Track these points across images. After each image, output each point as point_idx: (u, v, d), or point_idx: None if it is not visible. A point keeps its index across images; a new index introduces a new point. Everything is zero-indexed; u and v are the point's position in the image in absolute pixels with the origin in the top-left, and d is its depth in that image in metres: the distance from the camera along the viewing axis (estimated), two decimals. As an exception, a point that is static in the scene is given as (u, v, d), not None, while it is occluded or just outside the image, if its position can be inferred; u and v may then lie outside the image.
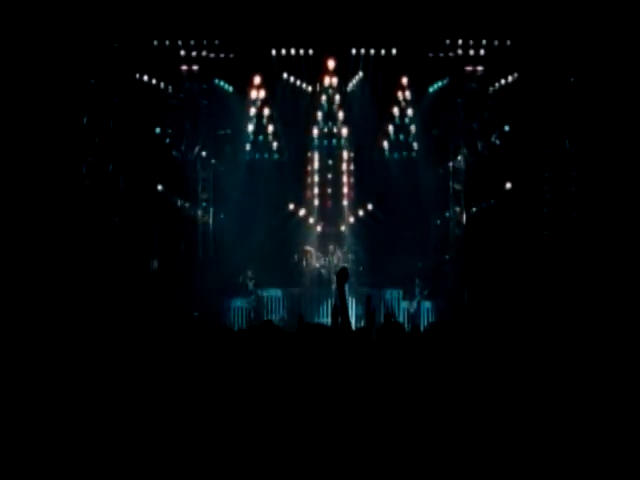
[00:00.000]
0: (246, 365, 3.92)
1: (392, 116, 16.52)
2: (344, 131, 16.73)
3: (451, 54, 14.38)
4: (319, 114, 16.56)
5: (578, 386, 4.29)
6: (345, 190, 17.15)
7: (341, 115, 16.52)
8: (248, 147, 16.75)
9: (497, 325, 12.34)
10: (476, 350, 4.71)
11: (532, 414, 3.87)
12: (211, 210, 16.76)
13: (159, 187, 14.98)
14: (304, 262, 16.43)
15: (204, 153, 16.51)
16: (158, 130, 14.78)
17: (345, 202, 17.09)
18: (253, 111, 16.13)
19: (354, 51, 14.79)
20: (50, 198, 12.45)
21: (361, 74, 15.59)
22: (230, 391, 3.74)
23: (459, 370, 4.19)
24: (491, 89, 15.18)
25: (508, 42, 13.97)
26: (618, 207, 12.71)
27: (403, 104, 16.22)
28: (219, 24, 13.53)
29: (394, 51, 14.55)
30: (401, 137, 16.95)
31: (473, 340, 4.97)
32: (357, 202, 17.11)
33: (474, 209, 16.03)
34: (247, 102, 15.88)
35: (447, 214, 16.71)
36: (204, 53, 14.43)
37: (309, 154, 17.24)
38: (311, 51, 14.73)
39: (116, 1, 12.80)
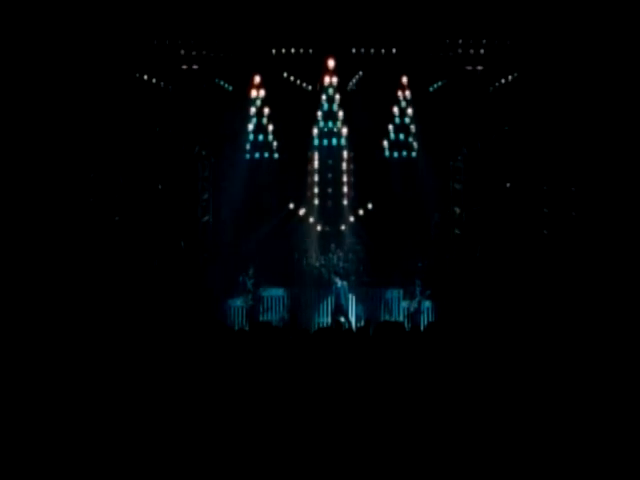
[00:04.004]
0: (245, 365, 3.93)
1: (392, 116, 16.52)
2: (344, 131, 16.72)
3: (451, 54, 14.37)
4: (319, 113, 16.56)
5: (578, 385, 4.29)
6: (345, 190, 17.15)
7: (341, 114, 16.51)
8: (248, 146, 16.74)
9: (497, 325, 12.34)
10: (476, 350, 4.71)
11: (532, 413, 3.87)
12: (211, 210, 16.76)
13: (159, 187, 14.98)
14: (304, 261, 16.44)
15: (204, 153, 16.52)
16: (158, 130, 14.77)
17: (345, 202, 17.09)
18: (253, 110, 16.12)
19: (354, 51, 14.78)
20: (50, 198, 12.46)
21: (361, 73, 15.59)
22: (229, 389, 3.75)
23: (459, 369, 4.20)
24: (491, 89, 15.19)
25: (508, 42, 13.96)
26: (618, 207, 12.71)
27: (403, 104, 16.22)
28: (219, 24, 13.53)
29: (394, 51, 14.55)
30: (401, 137, 16.95)
31: (473, 340, 4.98)
32: (357, 202, 17.12)
33: (474, 209, 16.02)
34: (247, 101, 15.88)
35: (447, 214, 16.71)
36: (204, 53, 14.42)
37: (309, 153, 17.24)
38: (311, 51, 14.72)
39: (116, 1, 12.79)
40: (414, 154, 16.81)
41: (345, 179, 17.20)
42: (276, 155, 17.10)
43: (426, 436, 3.56)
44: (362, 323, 14.68)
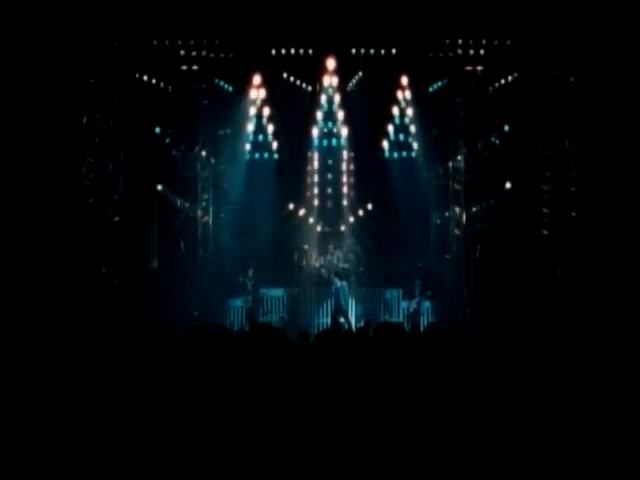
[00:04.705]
0: (245, 368, 3.92)
1: (392, 116, 16.51)
2: (344, 131, 16.70)
3: (451, 54, 14.34)
4: (319, 114, 16.54)
5: (579, 387, 4.29)
6: (345, 190, 17.15)
7: (341, 115, 16.49)
8: (248, 147, 16.74)
9: (497, 325, 12.33)
10: (477, 351, 4.70)
11: (533, 416, 3.87)
12: (211, 210, 16.76)
13: (159, 187, 14.98)
14: (304, 262, 16.44)
15: (204, 153, 16.51)
16: (158, 130, 14.75)
17: (345, 202, 17.09)
18: (253, 111, 16.11)
19: (354, 51, 14.75)
20: (50, 198, 12.44)
21: (361, 74, 15.57)
22: (228, 393, 3.74)
23: (459, 371, 4.19)
24: (491, 89, 15.17)
25: (508, 42, 13.94)
26: (618, 207, 12.70)
27: (403, 104, 16.20)
28: (219, 24, 13.50)
29: (394, 51, 14.52)
30: (401, 137, 16.94)
31: (473, 341, 4.97)
32: (357, 202, 17.12)
33: (474, 209, 16.02)
34: (247, 102, 15.88)
35: (447, 214, 16.70)
36: (204, 53, 14.40)
37: (309, 154, 17.24)
38: (311, 51, 14.68)
39: (116, 1, 12.78)
40: (414, 154, 16.80)
41: (345, 179, 17.20)
42: (276, 156, 17.09)
43: (428, 439, 3.55)
44: (362, 323, 14.67)
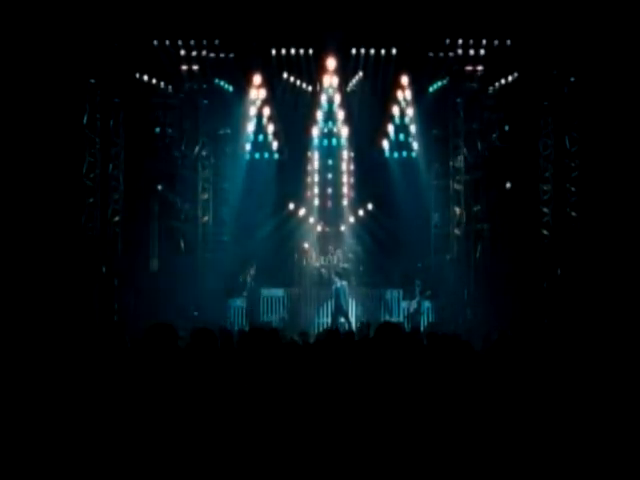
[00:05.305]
0: (246, 369, 3.92)
1: (392, 116, 16.50)
2: (344, 131, 16.70)
3: (451, 54, 14.34)
4: (319, 114, 16.54)
5: (579, 385, 4.29)
6: (345, 190, 17.14)
7: (341, 115, 16.49)
8: (248, 147, 16.75)
9: (497, 326, 12.34)
10: (476, 351, 4.70)
11: (534, 416, 3.87)
12: (211, 210, 16.76)
13: (159, 187, 14.97)
14: (304, 262, 16.44)
15: (204, 153, 16.52)
16: (158, 130, 14.76)
17: (345, 202, 17.08)
18: (253, 111, 16.12)
19: (354, 51, 14.74)
20: (50, 197, 12.44)
21: (361, 74, 15.56)
22: (231, 394, 3.74)
23: (460, 372, 4.19)
24: (491, 89, 15.17)
25: (508, 42, 13.94)
26: (618, 207, 12.69)
27: (403, 104, 16.20)
28: (219, 24, 13.50)
29: (394, 51, 14.51)
30: (401, 137, 16.93)
31: (473, 341, 4.98)
32: (357, 202, 17.11)
33: (474, 209, 16.01)
34: (247, 102, 15.88)
35: (447, 214, 16.70)
36: (204, 53, 14.40)
37: (309, 154, 17.23)
38: (311, 51, 14.69)
39: (116, 1, 12.78)
40: (414, 154, 16.80)
41: (345, 179, 17.20)
42: (276, 155, 17.09)
43: (427, 439, 3.55)
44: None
